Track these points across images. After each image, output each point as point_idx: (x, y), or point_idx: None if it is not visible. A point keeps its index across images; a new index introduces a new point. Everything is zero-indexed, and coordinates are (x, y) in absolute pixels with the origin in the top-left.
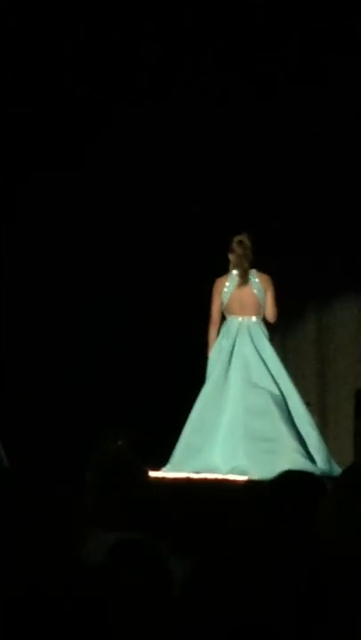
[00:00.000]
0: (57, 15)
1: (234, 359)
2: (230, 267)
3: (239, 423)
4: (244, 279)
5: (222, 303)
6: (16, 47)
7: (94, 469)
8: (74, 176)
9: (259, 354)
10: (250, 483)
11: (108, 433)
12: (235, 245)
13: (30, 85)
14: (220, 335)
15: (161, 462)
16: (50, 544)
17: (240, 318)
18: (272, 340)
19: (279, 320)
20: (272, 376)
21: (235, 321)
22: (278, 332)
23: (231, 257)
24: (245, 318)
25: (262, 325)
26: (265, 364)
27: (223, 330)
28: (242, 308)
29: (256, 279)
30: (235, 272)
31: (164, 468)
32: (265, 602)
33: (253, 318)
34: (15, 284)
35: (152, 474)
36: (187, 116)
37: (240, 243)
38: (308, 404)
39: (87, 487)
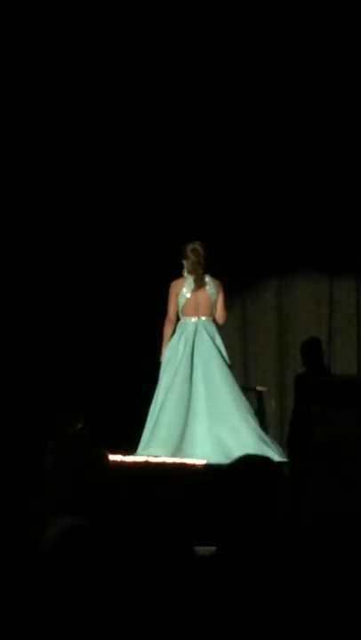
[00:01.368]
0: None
1: (195, 358)
2: (185, 272)
3: (205, 414)
4: (199, 284)
5: (178, 305)
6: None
7: (52, 454)
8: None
9: (216, 347)
10: (208, 467)
11: (66, 418)
12: (189, 253)
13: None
14: (177, 335)
15: (118, 447)
16: (7, 531)
17: (194, 319)
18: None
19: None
20: (228, 366)
21: (190, 322)
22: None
23: (186, 263)
24: (200, 318)
25: (214, 323)
26: (222, 356)
27: (179, 330)
28: (196, 309)
29: (211, 283)
30: (190, 277)
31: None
32: (224, 586)
33: (207, 318)
34: None
35: (111, 457)
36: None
37: (194, 250)
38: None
39: (45, 473)
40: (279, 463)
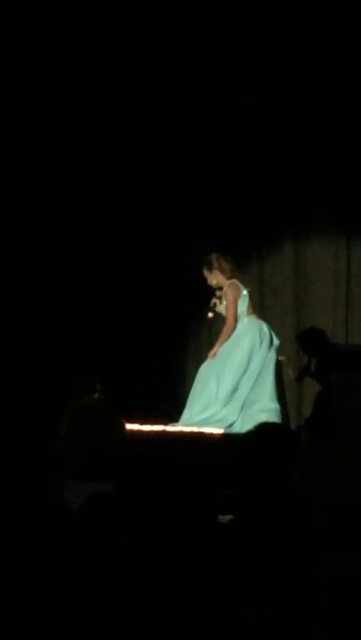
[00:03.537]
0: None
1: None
2: (225, 278)
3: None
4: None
5: (238, 307)
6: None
7: (69, 419)
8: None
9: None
10: (226, 435)
11: (81, 385)
12: (221, 262)
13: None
14: (257, 334)
15: (137, 414)
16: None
17: (254, 318)
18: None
19: None
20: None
21: (254, 321)
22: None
23: (221, 272)
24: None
25: None
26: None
27: (255, 330)
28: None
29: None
30: (236, 281)
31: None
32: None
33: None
34: None
35: (128, 426)
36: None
37: (225, 258)
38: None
39: (62, 439)
40: (295, 431)
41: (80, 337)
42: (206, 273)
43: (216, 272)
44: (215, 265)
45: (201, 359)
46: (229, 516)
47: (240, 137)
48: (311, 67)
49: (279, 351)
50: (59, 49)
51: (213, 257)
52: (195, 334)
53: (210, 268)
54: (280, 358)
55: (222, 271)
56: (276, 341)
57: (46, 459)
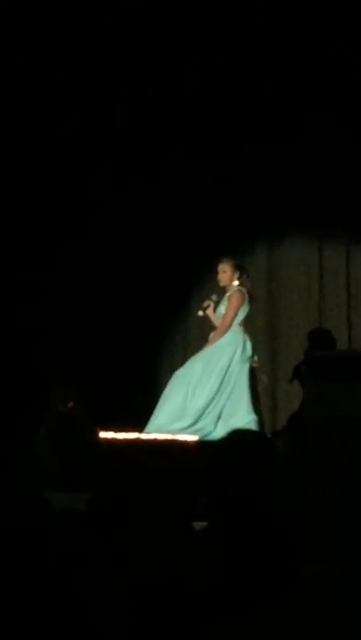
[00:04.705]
0: None
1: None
2: (237, 283)
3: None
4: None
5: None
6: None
7: (44, 430)
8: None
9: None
10: (201, 443)
11: (59, 392)
12: (245, 272)
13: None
14: (241, 344)
15: (111, 422)
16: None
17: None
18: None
19: None
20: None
21: (244, 334)
22: None
23: (241, 277)
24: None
25: None
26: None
27: (242, 340)
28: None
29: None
30: (244, 290)
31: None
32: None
33: None
34: None
35: (102, 434)
36: None
37: (244, 266)
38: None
39: (37, 448)
40: (267, 436)
41: (55, 346)
42: (226, 268)
43: (235, 274)
44: (241, 269)
45: (175, 367)
46: (204, 523)
47: (238, 138)
48: (311, 67)
49: (252, 358)
50: (59, 49)
51: (243, 263)
52: (170, 342)
53: (234, 269)
54: (254, 365)
55: (240, 277)
56: (250, 352)
57: (23, 468)
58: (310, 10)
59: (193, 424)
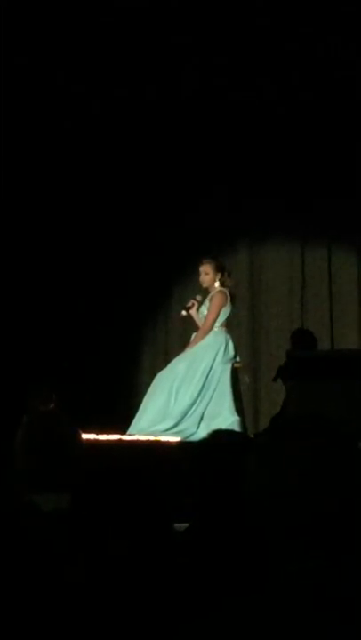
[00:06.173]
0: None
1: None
2: (219, 284)
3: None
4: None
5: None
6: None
7: (25, 429)
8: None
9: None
10: (183, 443)
11: (37, 392)
12: (227, 273)
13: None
14: (224, 344)
15: (94, 423)
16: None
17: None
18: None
19: None
20: None
21: (226, 335)
22: None
23: (223, 280)
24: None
25: None
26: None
27: (225, 340)
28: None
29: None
30: (226, 291)
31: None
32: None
33: None
34: None
35: (85, 435)
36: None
37: (230, 273)
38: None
39: (18, 449)
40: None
41: (35, 346)
42: (207, 269)
43: (217, 275)
44: (223, 270)
45: (157, 368)
46: (185, 524)
47: (234, 139)
48: (311, 67)
49: (235, 359)
50: (59, 49)
51: (224, 262)
52: (152, 343)
53: (216, 269)
54: (236, 365)
55: (221, 277)
56: (232, 353)
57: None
58: (310, 10)
59: (176, 425)
